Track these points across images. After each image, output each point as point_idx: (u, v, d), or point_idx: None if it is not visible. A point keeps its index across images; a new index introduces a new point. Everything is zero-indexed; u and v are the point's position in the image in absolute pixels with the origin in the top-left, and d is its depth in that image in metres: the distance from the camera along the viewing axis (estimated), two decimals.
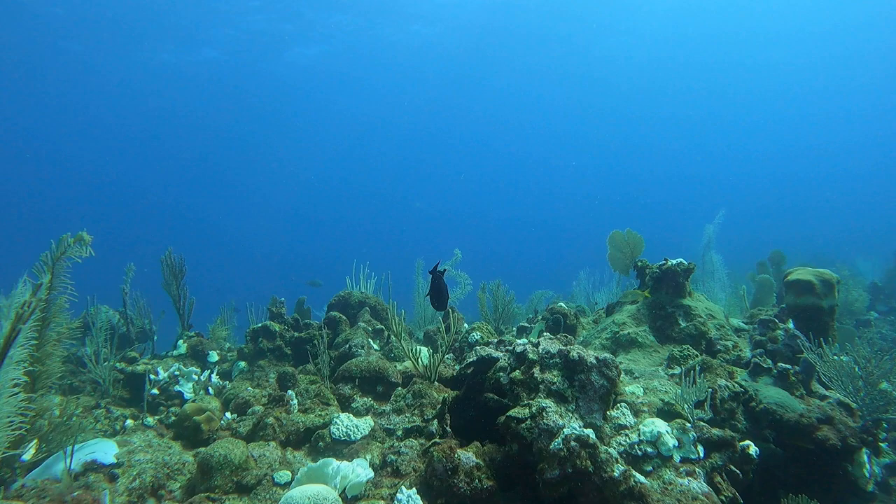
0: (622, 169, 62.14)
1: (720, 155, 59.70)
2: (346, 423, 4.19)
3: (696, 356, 4.73)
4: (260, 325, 6.53)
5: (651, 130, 56.59)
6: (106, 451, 3.67)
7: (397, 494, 3.14)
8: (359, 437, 4.12)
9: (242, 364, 6.31)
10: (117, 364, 5.71)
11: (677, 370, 4.65)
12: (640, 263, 5.85)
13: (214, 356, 6.48)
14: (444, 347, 5.29)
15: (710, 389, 3.93)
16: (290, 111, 46.92)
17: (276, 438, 4.12)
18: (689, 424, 3.54)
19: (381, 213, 68.05)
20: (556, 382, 3.61)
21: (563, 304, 6.04)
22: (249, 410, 4.69)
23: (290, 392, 4.96)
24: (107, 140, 45.32)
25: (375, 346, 6.59)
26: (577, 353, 3.69)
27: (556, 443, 3.16)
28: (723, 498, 3.33)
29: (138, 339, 7.22)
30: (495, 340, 4.99)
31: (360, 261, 8.99)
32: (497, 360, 4.45)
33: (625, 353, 5.11)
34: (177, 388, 5.44)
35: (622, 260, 6.16)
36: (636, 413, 3.82)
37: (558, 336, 4.13)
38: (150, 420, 4.82)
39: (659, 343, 5.16)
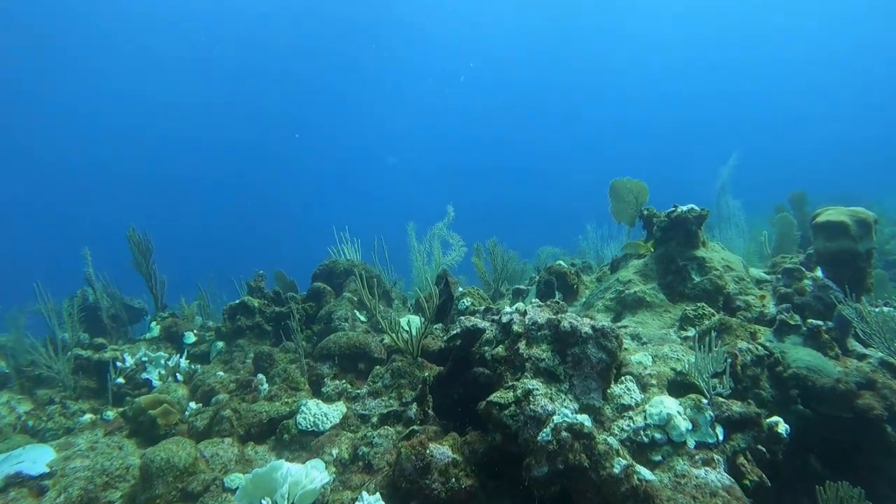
0: (627, 114, 58.45)
1: (729, 95, 56.18)
2: (314, 412, 3.71)
3: (713, 315, 4.15)
4: (237, 301, 6.04)
5: (656, 72, 53.40)
6: (37, 458, 3.23)
7: (357, 502, 2.65)
8: (328, 426, 3.64)
9: (220, 344, 5.85)
10: (82, 352, 5.27)
11: (691, 332, 4.07)
12: (646, 212, 5.20)
13: (190, 337, 6.02)
14: (429, 317, 4.76)
15: (729, 357, 3.35)
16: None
17: (234, 433, 3.64)
18: (705, 401, 2.98)
19: (362, 172, 62.99)
20: (544, 359, 3.06)
21: (561, 263, 5.44)
22: (213, 399, 4.23)
23: (259, 376, 4.49)
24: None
25: (362, 318, 6.09)
26: (570, 322, 3.11)
27: (545, 433, 2.63)
28: (747, 482, 2.81)
29: (114, 322, 6.80)
30: (482, 308, 4.43)
31: (346, 225, 8.31)
32: (483, 331, 3.91)
33: (631, 315, 4.54)
34: (144, 375, 4.99)
35: (626, 210, 5.51)
36: (644, 387, 3.27)
37: (549, 303, 3.55)
38: (111, 413, 4.38)
39: (670, 301, 4.57)
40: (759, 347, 3.64)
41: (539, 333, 3.18)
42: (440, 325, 5.45)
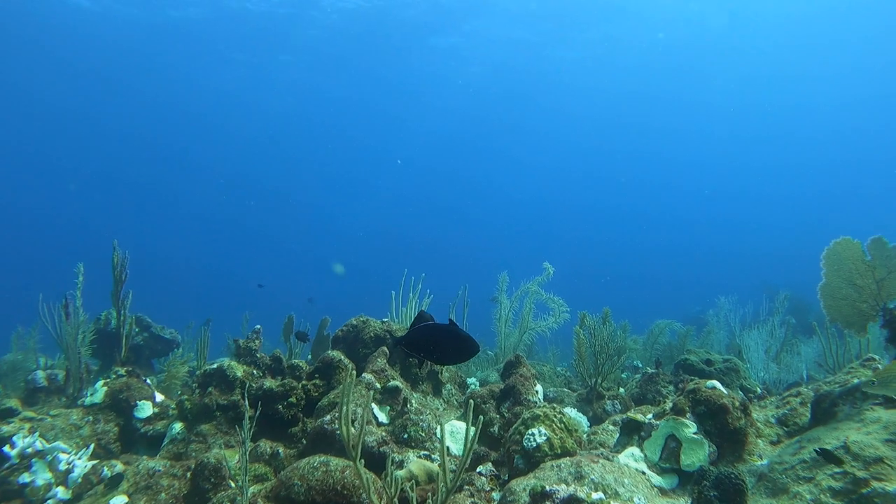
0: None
1: None
2: None
3: None
4: (214, 365, 4.24)
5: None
6: None
7: None
8: None
9: (177, 427, 4.04)
10: None
11: None
12: None
13: (145, 410, 4.25)
14: (449, 472, 2.61)
15: None
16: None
17: None
18: None
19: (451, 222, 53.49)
20: None
21: (716, 384, 3.07)
22: None
23: None
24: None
25: (383, 418, 4.07)
26: None
27: None
28: None
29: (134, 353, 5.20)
30: (571, 469, 2.21)
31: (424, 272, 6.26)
32: None
33: None
34: (22, 478, 3.22)
35: (854, 300, 3.05)
36: None
37: None
38: None
39: None
40: None
41: None
42: (489, 465, 3.27)
